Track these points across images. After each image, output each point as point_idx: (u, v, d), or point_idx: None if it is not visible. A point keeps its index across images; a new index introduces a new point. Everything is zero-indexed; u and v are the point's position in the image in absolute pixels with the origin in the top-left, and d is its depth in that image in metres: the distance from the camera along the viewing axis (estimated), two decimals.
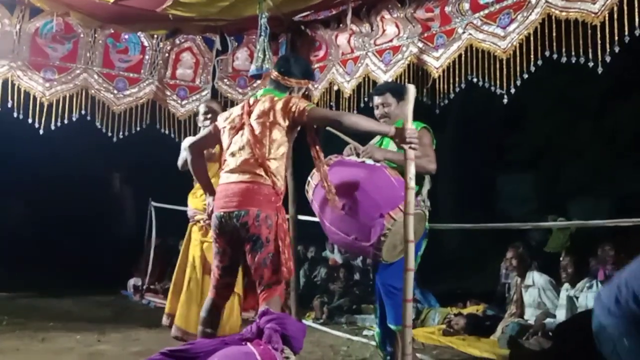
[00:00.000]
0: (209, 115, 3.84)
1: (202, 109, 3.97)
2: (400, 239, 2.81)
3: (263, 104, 2.90)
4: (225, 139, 3.00)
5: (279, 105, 2.85)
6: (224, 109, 3.72)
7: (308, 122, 2.85)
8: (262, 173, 2.81)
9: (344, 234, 2.94)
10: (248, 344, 2.37)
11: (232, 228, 2.83)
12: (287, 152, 2.92)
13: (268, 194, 2.80)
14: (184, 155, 3.65)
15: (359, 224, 2.82)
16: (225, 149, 2.99)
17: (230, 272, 2.98)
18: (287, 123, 2.84)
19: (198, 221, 3.93)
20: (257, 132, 2.86)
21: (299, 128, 2.95)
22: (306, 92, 3.35)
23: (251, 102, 2.97)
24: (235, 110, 3.03)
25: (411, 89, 2.77)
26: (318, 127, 2.97)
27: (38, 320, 5.46)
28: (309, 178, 3.07)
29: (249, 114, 2.92)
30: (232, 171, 2.89)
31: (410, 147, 2.67)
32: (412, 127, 2.73)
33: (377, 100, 3.46)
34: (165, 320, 3.95)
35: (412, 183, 2.64)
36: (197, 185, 3.86)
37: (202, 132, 3.33)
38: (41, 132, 4.69)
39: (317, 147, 2.93)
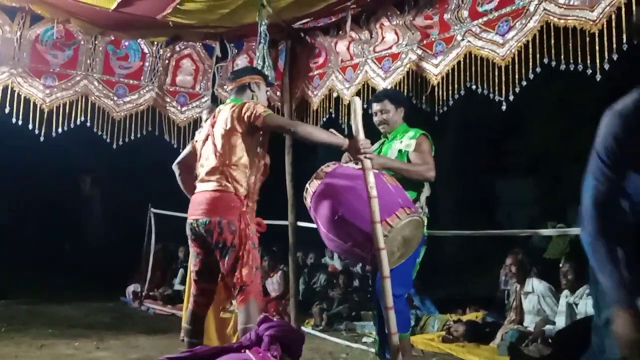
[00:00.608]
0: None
1: (204, 115, 3.96)
2: (397, 245, 2.82)
3: (223, 113, 3.03)
4: (198, 151, 3.15)
5: (235, 112, 2.96)
6: None
7: (263, 127, 2.94)
8: (224, 181, 2.93)
9: (341, 241, 2.95)
10: (247, 351, 2.36)
11: (200, 235, 2.97)
12: (251, 157, 2.98)
13: (230, 200, 2.92)
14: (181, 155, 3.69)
15: (356, 231, 2.83)
16: (197, 161, 3.13)
17: (204, 277, 3.09)
18: (242, 129, 2.93)
19: None
20: (217, 141, 2.98)
21: (261, 133, 3.02)
22: (268, 92, 3.44)
23: (216, 112, 3.10)
24: (207, 123, 3.14)
25: (357, 101, 2.86)
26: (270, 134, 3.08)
27: (37, 327, 5.44)
28: (307, 185, 3.09)
29: (214, 125, 3.06)
30: (201, 181, 3.04)
31: (365, 157, 2.72)
32: (363, 138, 2.81)
33: (375, 107, 3.48)
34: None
35: (373, 192, 2.70)
36: None
37: (185, 150, 3.44)
38: (42, 139, 4.70)
39: (264, 155, 3.07)
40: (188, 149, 3.39)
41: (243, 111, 2.92)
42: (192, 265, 3.12)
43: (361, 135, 2.80)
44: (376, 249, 2.67)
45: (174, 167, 3.35)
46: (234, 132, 2.93)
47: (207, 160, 3.02)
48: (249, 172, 2.98)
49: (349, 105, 4.81)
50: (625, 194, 1.81)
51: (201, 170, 3.06)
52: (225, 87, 5.49)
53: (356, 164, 3.18)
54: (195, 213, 2.99)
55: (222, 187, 2.92)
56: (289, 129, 2.95)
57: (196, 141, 3.23)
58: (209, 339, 3.58)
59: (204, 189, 2.99)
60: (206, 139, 3.08)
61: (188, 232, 3.05)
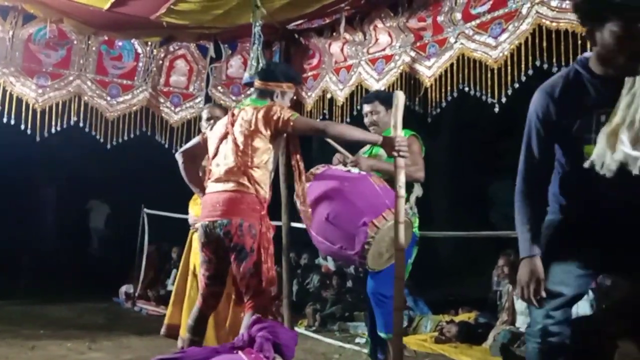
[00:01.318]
0: (212, 121, 3.79)
1: (204, 114, 3.91)
2: (386, 247, 2.82)
3: (246, 113, 2.92)
4: (210, 148, 3.04)
5: (260, 114, 2.87)
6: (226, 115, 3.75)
7: (293, 132, 2.87)
8: (246, 182, 2.83)
9: (329, 243, 2.95)
10: (240, 352, 2.37)
11: (216, 237, 2.85)
12: (272, 160, 2.94)
13: (251, 202, 2.82)
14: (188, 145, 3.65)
15: (344, 233, 2.83)
16: (210, 159, 3.02)
17: (216, 281, 3.00)
18: (269, 132, 2.85)
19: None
20: (239, 141, 2.88)
21: (284, 136, 2.97)
22: (294, 97, 3.35)
23: (235, 112, 3.00)
24: (221, 121, 3.07)
25: (400, 96, 2.79)
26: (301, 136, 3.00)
27: (29, 328, 5.42)
28: (296, 187, 3.09)
29: (233, 123, 2.95)
30: (217, 180, 2.92)
31: (399, 155, 2.70)
32: (401, 135, 2.75)
33: (366, 108, 3.49)
34: (163, 331, 3.88)
35: (402, 191, 2.66)
36: None
37: (193, 140, 3.36)
38: (37, 139, 4.68)
39: (298, 157, 2.95)
40: (197, 140, 3.26)
41: (270, 114, 2.84)
42: (203, 269, 3.00)
43: (399, 132, 2.73)
44: (396, 249, 2.64)
45: (178, 155, 3.25)
46: (258, 133, 2.84)
47: (225, 159, 2.91)
48: (269, 176, 2.92)
49: (342, 106, 4.83)
50: (551, 164, 2.13)
51: (217, 169, 2.94)
52: (219, 88, 5.49)
53: (345, 166, 3.19)
54: (212, 214, 2.85)
55: (243, 188, 2.81)
56: (321, 128, 2.85)
57: (206, 136, 3.11)
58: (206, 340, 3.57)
59: (221, 189, 2.87)
60: (224, 137, 2.96)
61: (200, 235, 2.93)
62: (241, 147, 2.87)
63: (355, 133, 2.83)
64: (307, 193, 2.98)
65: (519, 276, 2.09)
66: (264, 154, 2.88)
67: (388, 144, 2.74)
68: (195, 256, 3.85)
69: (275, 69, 3.14)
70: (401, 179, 2.66)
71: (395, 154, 2.71)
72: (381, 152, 3.35)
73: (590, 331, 3.34)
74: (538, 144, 2.11)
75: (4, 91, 4.61)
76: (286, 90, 3.08)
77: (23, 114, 4.64)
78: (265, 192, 2.90)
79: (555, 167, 2.15)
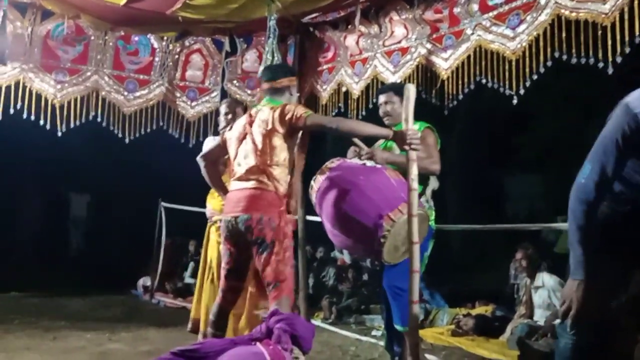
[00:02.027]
0: (230, 116, 3.82)
1: (223, 109, 3.94)
2: (402, 240, 2.82)
3: (263, 113, 3.03)
4: (231, 149, 3.14)
5: (276, 114, 2.96)
6: (245, 110, 3.78)
7: (306, 129, 2.96)
8: (265, 180, 2.93)
9: (344, 236, 2.96)
10: (257, 344, 2.38)
11: (238, 232, 2.95)
12: (289, 157, 3.01)
13: (271, 199, 2.92)
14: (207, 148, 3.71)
15: (359, 226, 2.83)
16: (232, 159, 3.12)
17: (236, 275, 3.07)
18: (284, 130, 2.94)
19: (216, 222, 3.93)
20: (258, 140, 2.98)
21: (301, 133, 3.03)
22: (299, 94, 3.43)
23: (253, 112, 3.11)
24: (240, 121, 3.14)
25: (410, 89, 2.77)
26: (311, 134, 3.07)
27: (49, 320, 5.51)
28: (312, 181, 3.11)
29: (251, 123, 3.06)
30: (239, 179, 3.03)
31: (411, 148, 2.69)
32: (412, 128, 2.74)
33: (381, 99, 3.49)
34: (189, 326, 3.92)
35: (414, 184, 2.65)
36: None
37: (212, 144, 3.46)
38: (59, 134, 4.75)
39: (304, 153, 3.03)
40: (216, 143, 3.38)
41: (285, 112, 2.93)
42: (224, 262, 3.11)
43: (410, 125, 2.74)
44: (410, 242, 2.64)
45: (199, 159, 3.34)
46: (275, 132, 2.94)
47: (245, 159, 3.01)
48: (288, 172, 3.00)
49: (357, 99, 4.81)
50: (621, 181, 1.89)
51: (238, 169, 3.04)
52: (234, 82, 5.51)
53: (360, 159, 3.19)
54: (234, 210, 2.96)
55: (262, 186, 2.92)
56: (331, 126, 2.89)
57: (227, 137, 3.20)
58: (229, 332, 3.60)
59: (242, 187, 2.98)
60: (243, 137, 3.07)
61: (223, 229, 3.04)
62: (260, 146, 2.96)
63: (366, 128, 2.87)
64: (321, 187, 3.01)
65: (564, 295, 2.02)
66: (282, 152, 2.96)
67: (399, 138, 2.75)
68: (212, 249, 3.89)
69: (278, 67, 3.33)
70: (413, 172, 2.66)
71: (407, 147, 2.71)
72: (396, 145, 3.34)
73: (609, 325, 3.32)
74: (615, 159, 1.90)
75: (24, 87, 4.67)
76: (294, 84, 3.23)
77: (42, 110, 4.69)
78: (285, 188, 3.00)
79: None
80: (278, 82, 3.13)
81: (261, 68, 4.44)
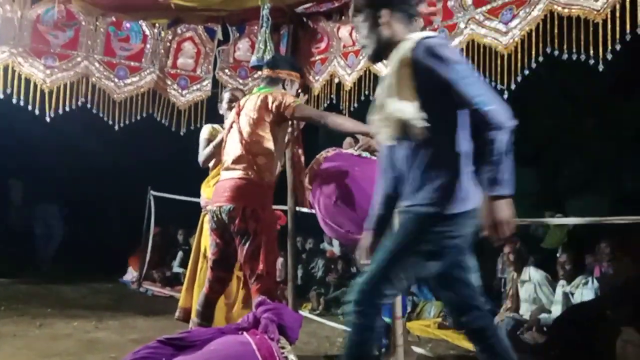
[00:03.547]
0: (233, 104, 3.81)
1: (226, 96, 3.91)
2: None
3: (250, 102, 3.00)
4: (224, 138, 3.14)
5: (263, 102, 2.93)
6: None
7: (292, 118, 2.94)
8: (250, 169, 2.90)
9: (337, 227, 2.97)
10: (244, 333, 2.39)
11: (223, 222, 2.94)
12: (278, 146, 2.98)
13: (255, 188, 2.90)
14: (207, 150, 3.70)
15: (352, 217, 2.84)
16: (222, 148, 3.07)
17: (222, 266, 3.07)
18: (271, 118, 2.91)
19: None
20: (244, 129, 2.96)
21: (290, 123, 3.01)
22: (299, 90, 3.39)
23: (242, 101, 3.07)
24: (232, 111, 3.12)
25: None
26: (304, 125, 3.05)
27: (36, 307, 5.49)
28: (305, 171, 3.10)
29: (239, 113, 3.03)
30: (226, 169, 3.02)
31: None
32: None
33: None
34: (177, 314, 3.91)
35: None
36: (210, 175, 3.88)
37: (218, 140, 3.49)
38: (47, 119, 4.70)
39: (300, 151, 3.02)
40: (220, 138, 3.40)
41: (270, 100, 2.90)
42: (210, 253, 3.11)
43: None
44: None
45: (206, 161, 3.41)
46: (262, 121, 2.91)
47: (232, 148, 3.00)
48: (275, 162, 2.97)
49: (350, 91, 4.80)
50: None
51: (227, 158, 3.03)
52: (226, 70, 5.48)
53: (355, 150, 3.19)
54: (219, 200, 2.95)
55: (247, 176, 2.89)
56: (319, 120, 2.89)
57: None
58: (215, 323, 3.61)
59: (228, 177, 2.97)
60: (231, 126, 3.05)
61: (209, 219, 3.04)
62: (246, 135, 2.94)
63: (350, 125, 2.87)
64: (315, 177, 3.01)
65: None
66: (268, 141, 2.94)
67: None
68: (206, 239, 3.88)
69: (284, 58, 3.29)
70: None
71: None
72: None
73: (593, 317, 3.36)
74: None
75: (13, 71, 4.61)
76: (295, 79, 3.16)
77: (31, 95, 4.64)
78: (271, 178, 2.94)
79: None
80: (276, 72, 3.09)
81: (253, 57, 4.43)
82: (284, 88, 3.09)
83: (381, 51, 2.22)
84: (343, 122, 2.89)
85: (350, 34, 4.77)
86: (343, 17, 4.71)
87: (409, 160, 2.11)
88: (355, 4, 2.27)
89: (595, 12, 3.15)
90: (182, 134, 5.18)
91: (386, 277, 2.01)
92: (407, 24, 2.27)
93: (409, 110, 2.03)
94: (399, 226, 2.17)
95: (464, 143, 2.08)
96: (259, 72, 5.07)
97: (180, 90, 5.38)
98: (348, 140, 3.31)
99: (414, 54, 2.06)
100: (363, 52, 2.26)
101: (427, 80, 2.02)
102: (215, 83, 5.40)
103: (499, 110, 2.00)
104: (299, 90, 3.42)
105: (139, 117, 5.13)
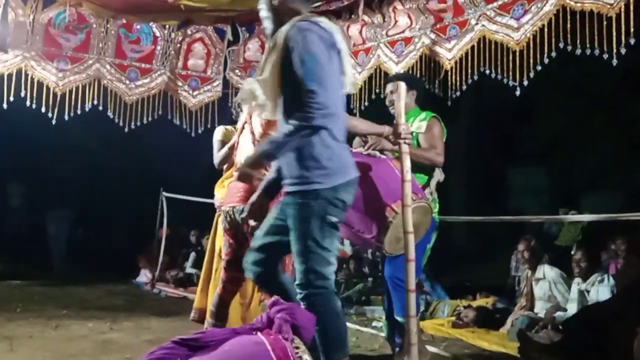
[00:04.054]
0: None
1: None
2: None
3: None
4: (236, 139, 3.18)
5: None
6: None
7: None
8: (263, 170, 2.88)
9: (347, 226, 2.96)
10: (259, 333, 2.38)
11: (236, 223, 2.98)
12: None
13: None
14: (223, 152, 3.71)
15: (362, 216, 2.83)
16: (235, 149, 3.09)
17: (236, 266, 3.06)
18: None
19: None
20: (256, 130, 3.00)
21: None
22: None
23: None
24: (245, 112, 3.14)
25: (402, 85, 2.84)
26: None
27: (51, 308, 5.53)
28: None
29: (251, 114, 3.01)
30: (238, 170, 2.98)
31: (404, 142, 2.72)
32: (404, 123, 2.79)
33: (389, 87, 3.47)
34: (193, 315, 3.92)
35: (408, 176, 2.70)
36: (224, 175, 3.89)
37: (233, 141, 3.48)
38: (54, 122, 4.74)
39: None
40: (233, 141, 3.42)
41: None
42: (223, 254, 3.13)
43: (402, 120, 2.78)
44: (405, 231, 2.66)
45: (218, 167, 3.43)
46: (273, 122, 2.90)
47: (245, 149, 3.03)
48: None
49: (360, 89, 4.79)
50: None
51: (240, 158, 3.06)
52: (236, 71, 5.49)
53: (365, 149, 3.18)
54: (232, 201, 2.98)
55: (262, 177, 2.87)
56: None
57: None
58: (230, 323, 3.61)
59: None
60: (243, 127, 3.08)
61: (223, 220, 3.07)
62: (258, 136, 2.99)
63: (364, 127, 2.90)
64: None
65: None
66: None
67: (393, 132, 2.77)
68: (220, 239, 3.89)
69: None
70: (406, 165, 2.72)
71: (401, 141, 2.73)
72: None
73: (608, 317, 3.32)
74: None
75: (26, 75, 4.65)
76: None
77: (44, 98, 4.68)
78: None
79: None
80: None
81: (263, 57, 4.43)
82: None
83: (276, 29, 2.36)
84: (358, 124, 2.91)
85: (360, 33, 4.76)
86: (353, 16, 4.70)
87: None
88: None
89: (608, 6, 3.11)
90: (193, 135, 5.20)
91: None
92: (302, 6, 2.44)
93: (262, 88, 2.29)
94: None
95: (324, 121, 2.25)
96: None
97: (191, 92, 5.41)
98: (358, 139, 3.30)
99: (288, 35, 2.24)
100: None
101: (289, 61, 2.21)
102: (226, 83, 5.42)
103: (317, 112, 2.19)
104: None
105: (150, 119, 5.15)
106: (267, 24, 2.42)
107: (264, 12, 2.45)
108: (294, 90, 2.23)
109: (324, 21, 2.33)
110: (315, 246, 2.29)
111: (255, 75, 2.37)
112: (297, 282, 2.36)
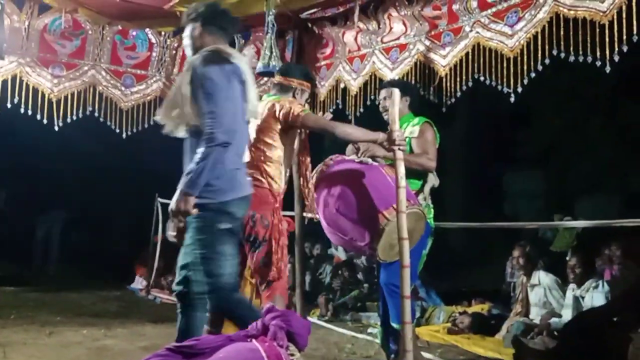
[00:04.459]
0: None
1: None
2: (397, 238, 2.82)
3: (260, 109, 2.99)
4: None
5: (270, 109, 2.96)
6: None
7: (301, 127, 2.97)
8: (259, 176, 2.93)
9: (340, 234, 2.96)
10: (253, 340, 2.37)
11: None
12: (286, 153, 3.00)
13: (264, 195, 2.91)
14: None
15: (355, 224, 2.84)
16: None
17: None
18: (279, 126, 2.94)
19: None
20: (253, 136, 2.98)
21: (299, 131, 3.03)
22: (308, 100, 3.41)
23: None
24: None
25: (396, 92, 2.87)
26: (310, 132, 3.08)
27: (45, 315, 5.50)
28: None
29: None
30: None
31: (398, 149, 2.74)
32: (398, 129, 2.82)
33: (382, 93, 3.49)
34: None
35: (402, 182, 2.71)
36: None
37: None
38: (55, 128, 4.73)
39: (306, 152, 3.04)
40: None
41: (278, 109, 2.92)
42: None
43: (396, 127, 2.81)
44: (399, 238, 2.66)
45: None
46: (269, 128, 2.94)
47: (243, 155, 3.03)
48: (284, 169, 2.98)
49: (355, 96, 4.80)
50: None
51: None
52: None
53: (357, 156, 3.19)
54: None
55: (256, 182, 2.90)
56: (328, 129, 2.93)
57: None
58: (226, 328, 3.60)
59: None
60: None
61: None
62: (254, 142, 2.96)
63: (359, 134, 2.94)
64: (319, 184, 3.01)
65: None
66: (276, 149, 2.96)
67: (387, 139, 2.79)
68: None
69: (297, 67, 3.33)
70: (401, 171, 2.73)
71: (395, 147, 2.75)
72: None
73: (603, 323, 3.32)
74: None
75: (21, 81, 4.65)
76: (305, 89, 3.19)
77: (39, 104, 4.67)
78: (279, 185, 2.97)
79: None
80: (287, 80, 3.12)
81: (259, 64, 4.45)
82: (293, 96, 3.10)
83: (195, 54, 2.63)
84: (353, 131, 2.94)
85: (356, 39, 4.78)
86: (348, 22, 4.72)
87: (190, 153, 2.57)
88: (183, 18, 2.84)
89: (601, 14, 3.13)
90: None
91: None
92: (220, 38, 2.68)
93: (163, 108, 2.63)
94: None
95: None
96: (265, 79, 5.10)
97: None
98: (350, 146, 3.31)
99: (193, 63, 2.53)
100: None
101: (194, 86, 2.47)
102: None
103: (218, 130, 2.42)
104: (308, 100, 3.44)
105: (146, 125, 5.15)
106: (188, 52, 2.70)
107: (186, 40, 2.74)
108: (199, 113, 2.47)
109: (230, 52, 2.57)
110: (209, 252, 2.53)
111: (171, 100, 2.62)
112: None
